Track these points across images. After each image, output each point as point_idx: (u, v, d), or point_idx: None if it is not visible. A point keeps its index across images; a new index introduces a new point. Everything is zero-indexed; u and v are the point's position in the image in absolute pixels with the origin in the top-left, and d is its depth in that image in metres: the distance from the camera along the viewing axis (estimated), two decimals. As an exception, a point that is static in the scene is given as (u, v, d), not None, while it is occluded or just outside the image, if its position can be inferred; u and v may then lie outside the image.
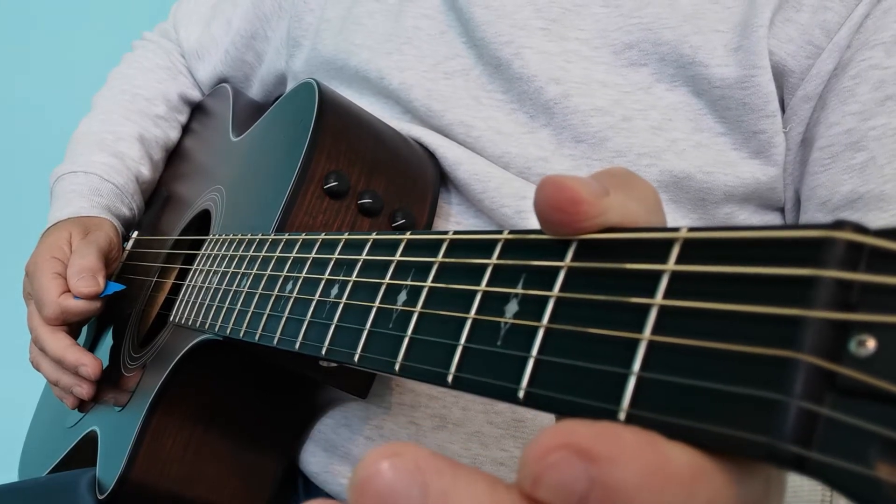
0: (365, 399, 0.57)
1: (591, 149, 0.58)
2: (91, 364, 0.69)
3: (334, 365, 0.52)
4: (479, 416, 0.57)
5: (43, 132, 1.50)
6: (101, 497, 0.59)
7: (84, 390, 0.71)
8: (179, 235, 0.77)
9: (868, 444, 0.17)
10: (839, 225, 0.19)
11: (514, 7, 0.64)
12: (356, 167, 0.56)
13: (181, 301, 0.60)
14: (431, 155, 0.63)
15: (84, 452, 0.71)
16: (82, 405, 0.74)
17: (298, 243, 0.45)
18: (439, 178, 0.61)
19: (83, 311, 0.70)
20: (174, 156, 0.95)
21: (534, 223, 0.64)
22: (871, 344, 0.17)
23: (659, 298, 0.22)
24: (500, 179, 0.60)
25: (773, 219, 0.60)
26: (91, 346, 0.84)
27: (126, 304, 0.80)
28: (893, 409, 0.17)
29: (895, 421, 0.17)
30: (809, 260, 0.19)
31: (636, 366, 0.22)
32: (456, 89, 0.64)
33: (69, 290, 0.70)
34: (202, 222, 0.74)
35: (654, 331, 0.22)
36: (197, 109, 0.97)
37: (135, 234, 0.88)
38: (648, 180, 0.56)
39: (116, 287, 0.72)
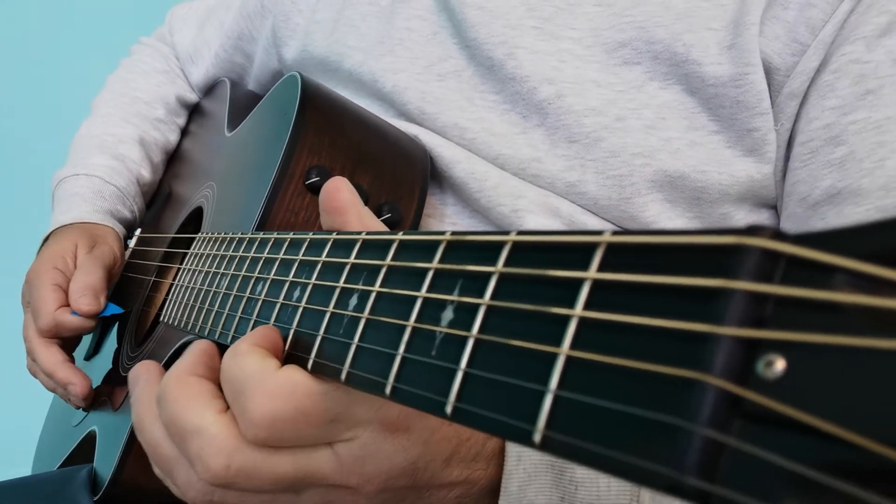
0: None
1: (585, 149, 0.57)
2: (80, 384, 0.68)
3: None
4: None
5: (43, 137, 1.52)
6: (95, 498, 0.59)
7: (80, 401, 0.71)
8: (176, 234, 0.77)
9: (775, 479, 0.15)
10: (755, 231, 0.17)
11: (507, 7, 0.62)
12: (339, 161, 0.55)
13: (169, 301, 0.60)
14: (421, 144, 0.61)
15: (85, 452, 0.71)
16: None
17: (270, 243, 0.44)
18: (429, 169, 0.60)
19: (77, 328, 0.70)
20: (176, 153, 0.95)
21: (531, 223, 0.62)
22: (780, 365, 0.16)
23: (578, 309, 0.20)
24: (496, 178, 0.59)
25: (769, 217, 0.58)
26: (96, 345, 0.84)
27: (129, 304, 0.80)
28: (801, 439, 0.15)
29: (803, 453, 0.15)
30: (722, 269, 0.17)
31: (553, 383, 0.20)
32: (449, 91, 0.63)
33: (67, 305, 0.69)
34: (198, 219, 0.74)
35: (572, 345, 0.20)
36: (197, 106, 0.96)
37: (138, 231, 0.88)
38: (643, 180, 0.55)
39: (115, 310, 0.71)
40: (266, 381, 0.33)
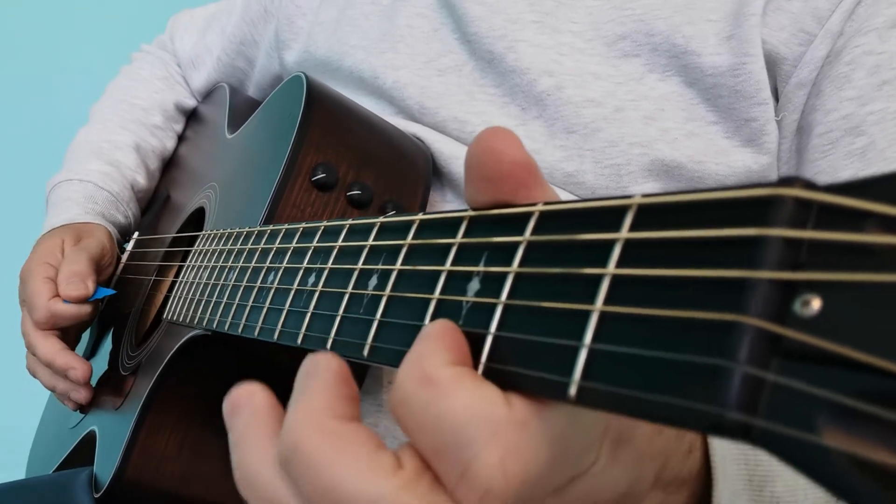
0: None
1: (583, 139, 0.58)
2: (80, 368, 0.69)
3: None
4: None
5: (43, 143, 1.51)
6: (96, 496, 0.59)
7: (81, 395, 0.71)
8: (176, 233, 0.77)
9: (815, 410, 0.16)
10: (788, 181, 0.18)
11: (509, 2, 0.63)
12: (345, 159, 0.56)
13: (173, 298, 0.60)
14: (423, 146, 0.62)
15: (84, 453, 0.71)
16: (82, 406, 0.74)
17: (281, 234, 0.45)
18: (431, 169, 0.61)
19: (72, 316, 0.70)
20: (174, 157, 0.95)
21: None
22: (817, 304, 0.16)
23: (611, 268, 0.21)
24: None
25: None
26: (93, 347, 0.84)
27: (126, 305, 0.80)
28: (840, 372, 0.16)
29: (842, 384, 0.16)
30: (756, 219, 0.18)
31: (587, 338, 0.21)
32: (449, 86, 0.64)
33: (59, 295, 0.70)
34: (199, 219, 0.74)
35: (606, 301, 0.21)
36: (195, 112, 0.97)
37: (136, 234, 0.88)
38: (640, 169, 0.56)
39: (106, 292, 0.72)
40: (501, 427, 0.22)
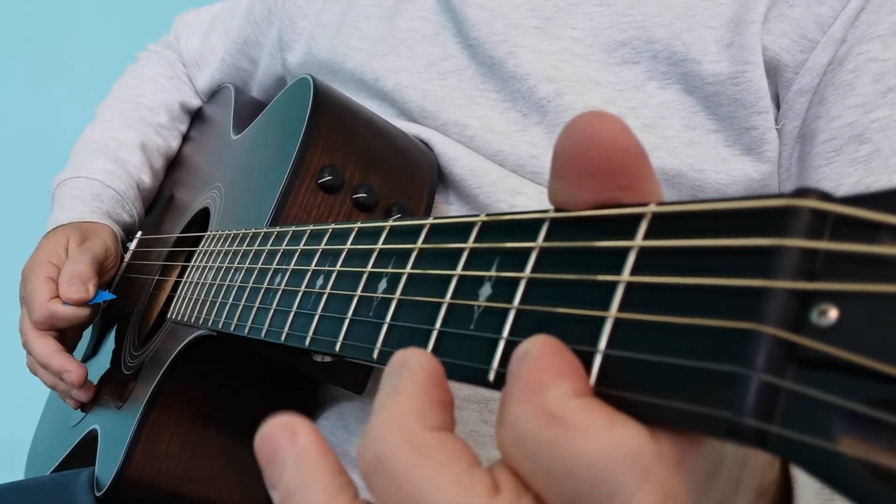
0: (362, 395, 0.57)
1: None
2: (75, 371, 0.69)
3: (329, 359, 0.52)
4: (474, 416, 0.56)
5: (49, 141, 1.52)
6: (98, 494, 0.59)
7: (81, 394, 0.71)
8: (180, 233, 0.77)
9: (831, 418, 0.16)
10: (804, 193, 0.18)
11: (509, 7, 0.64)
12: (351, 161, 0.56)
13: (178, 298, 0.60)
14: (428, 148, 0.62)
15: (85, 451, 0.71)
16: (84, 405, 0.74)
17: (288, 235, 0.45)
18: (436, 172, 0.61)
19: (71, 318, 0.70)
20: (178, 157, 0.95)
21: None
22: (833, 313, 0.17)
23: (626, 275, 0.21)
24: (495, 175, 0.60)
25: None
26: (94, 346, 0.84)
27: (129, 304, 0.80)
28: (856, 380, 0.16)
29: (858, 392, 0.16)
30: (773, 229, 0.18)
31: (602, 343, 0.21)
32: (450, 90, 0.64)
33: (59, 296, 0.70)
34: (203, 220, 0.74)
35: (621, 308, 0.21)
36: (199, 112, 0.97)
37: (139, 233, 0.88)
38: None
39: (107, 296, 0.72)
40: (651, 468, 0.18)
